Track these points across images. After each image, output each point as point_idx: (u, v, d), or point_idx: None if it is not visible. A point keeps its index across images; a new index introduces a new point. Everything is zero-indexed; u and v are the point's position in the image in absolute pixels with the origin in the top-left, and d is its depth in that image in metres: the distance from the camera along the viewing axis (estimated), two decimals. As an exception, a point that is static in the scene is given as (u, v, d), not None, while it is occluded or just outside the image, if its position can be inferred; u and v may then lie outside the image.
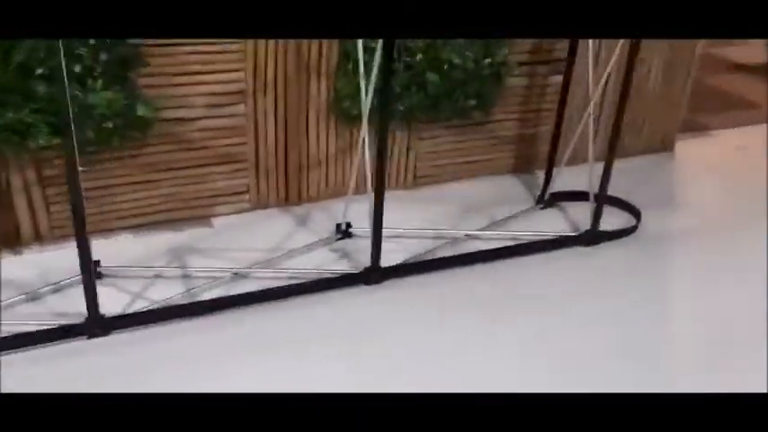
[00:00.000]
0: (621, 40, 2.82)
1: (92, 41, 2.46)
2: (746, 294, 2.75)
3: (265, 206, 3.16)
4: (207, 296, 2.56)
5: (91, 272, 2.24)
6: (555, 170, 3.23)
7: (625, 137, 3.75)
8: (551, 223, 3.16)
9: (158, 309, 2.44)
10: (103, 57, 2.50)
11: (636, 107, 3.70)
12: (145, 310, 2.44)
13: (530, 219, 3.21)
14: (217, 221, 3.06)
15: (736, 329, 2.55)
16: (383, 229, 2.61)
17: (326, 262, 2.83)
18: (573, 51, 3.09)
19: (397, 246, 2.94)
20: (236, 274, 2.67)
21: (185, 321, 2.45)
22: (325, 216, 3.13)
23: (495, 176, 3.54)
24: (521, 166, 3.58)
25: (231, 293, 2.57)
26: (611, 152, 2.85)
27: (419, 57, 2.97)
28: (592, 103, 2.97)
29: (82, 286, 2.27)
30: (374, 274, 2.67)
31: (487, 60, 3.12)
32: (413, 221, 3.10)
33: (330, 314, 2.54)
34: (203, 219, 3.06)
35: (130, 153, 2.81)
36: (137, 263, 2.73)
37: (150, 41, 2.64)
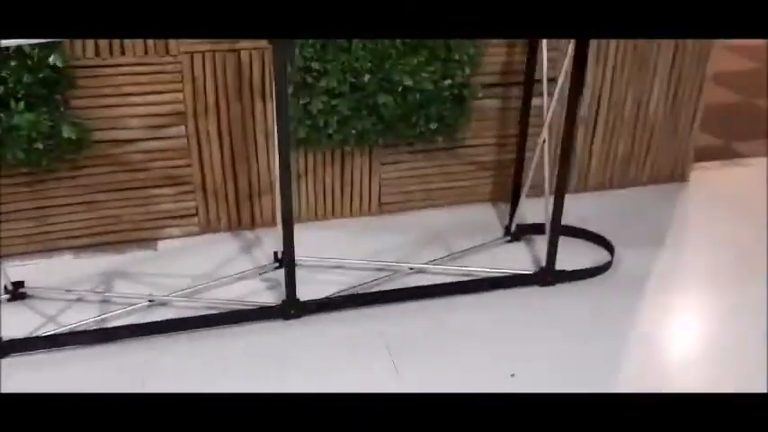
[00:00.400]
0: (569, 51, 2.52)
1: (13, 63, 2.46)
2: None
3: (216, 230, 3.07)
4: (118, 322, 2.49)
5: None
6: (522, 200, 2.95)
7: (629, 166, 3.41)
8: (512, 258, 2.89)
9: (57, 334, 2.38)
10: (27, 78, 2.50)
11: (638, 133, 3.36)
12: (44, 335, 2.39)
13: (490, 252, 2.95)
14: (163, 244, 3.00)
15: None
16: (327, 259, 2.59)
17: (256, 291, 2.70)
18: (531, 70, 2.82)
19: (337, 277, 2.77)
20: (151, 301, 2.58)
21: (85, 348, 2.38)
22: (274, 243, 3.00)
23: (467, 205, 3.29)
24: (496, 195, 3.31)
25: (143, 321, 2.48)
26: (561, 182, 2.56)
27: (367, 77, 2.79)
28: (545, 127, 2.70)
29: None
30: (291, 309, 2.50)
31: (447, 82, 2.90)
32: (364, 251, 2.92)
33: (236, 349, 2.41)
34: (150, 241, 3.00)
35: (69, 174, 2.80)
36: (66, 285, 2.70)
37: (79, 63, 2.62)
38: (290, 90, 2.82)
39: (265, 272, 2.80)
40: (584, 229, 2.99)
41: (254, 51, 2.77)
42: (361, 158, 3.09)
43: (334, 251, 2.91)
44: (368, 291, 2.65)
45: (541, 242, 2.95)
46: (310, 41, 2.70)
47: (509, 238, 3.02)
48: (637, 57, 3.18)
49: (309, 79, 2.78)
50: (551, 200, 2.63)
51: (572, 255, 2.85)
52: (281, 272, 2.79)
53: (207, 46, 2.72)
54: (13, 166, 2.67)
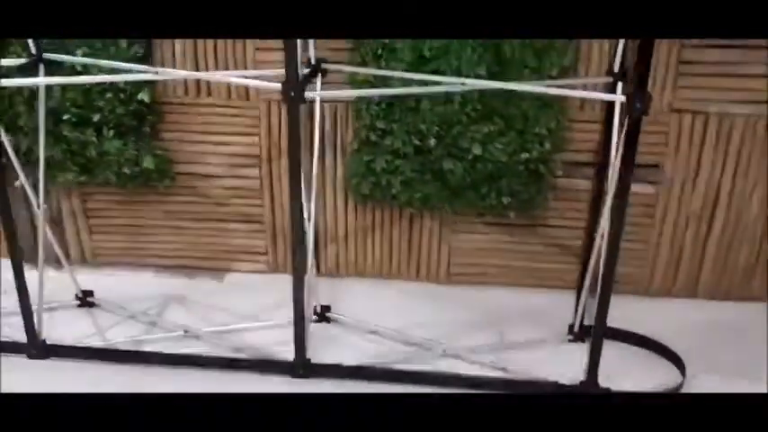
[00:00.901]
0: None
1: (108, 95, 2.74)
2: None
3: (282, 271, 3.12)
4: (149, 347, 2.63)
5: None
6: (584, 294, 2.61)
7: (752, 278, 2.87)
8: (562, 363, 2.55)
9: (91, 348, 2.58)
10: (119, 110, 2.76)
11: (743, 241, 2.81)
12: (82, 345, 2.60)
13: (541, 350, 2.63)
14: (230, 276, 3.13)
15: None
16: (364, 321, 2.56)
17: (287, 342, 2.69)
18: (606, 151, 2.48)
19: (367, 344, 2.67)
20: (186, 332, 2.69)
21: (106, 365, 2.53)
22: (330, 292, 2.98)
23: (546, 290, 2.98)
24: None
25: (170, 349, 2.59)
26: (606, 279, 2.20)
27: (433, 141, 2.67)
28: (604, 215, 2.34)
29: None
30: (301, 369, 2.45)
31: (524, 155, 2.67)
32: (413, 320, 2.78)
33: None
34: (221, 271, 3.15)
35: (157, 199, 3.03)
36: (135, 300, 2.91)
37: (168, 100, 2.83)
38: (355, 146, 2.80)
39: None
40: (660, 343, 2.56)
41: (327, 105, 2.78)
42: (431, 222, 2.96)
43: (382, 314, 2.80)
44: (386, 366, 2.50)
45: (611, 349, 2.58)
46: (377, 102, 2.64)
47: (572, 336, 2.68)
48: (769, 146, 2.66)
49: (374, 137, 2.72)
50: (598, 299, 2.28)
51: (639, 369, 2.45)
52: (320, 326, 2.78)
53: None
54: (108, 185, 2.96)
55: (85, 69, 2.56)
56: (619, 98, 1.91)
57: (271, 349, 2.60)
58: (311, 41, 2.43)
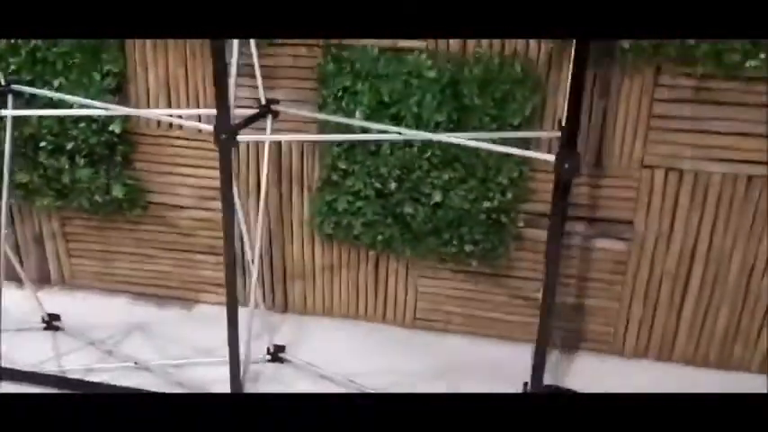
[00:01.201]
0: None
1: (81, 124, 2.79)
2: None
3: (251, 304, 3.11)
4: (97, 376, 2.64)
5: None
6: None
7: (733, 343, 2.70)
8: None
9: (41, 373, 2.61)
10: (91, 139, 2.82)
11: (748, 304, 2.63)
12: (29, 370, 2.63)
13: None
14: (198, 308, 3.13)
15: None
16: (314, 366, 2.53)
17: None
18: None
19: (314, 387, 2.62)
20: (136, 364, 2.70)
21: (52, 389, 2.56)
22: (293, 332, 2.95)
23: (513, 342, 2.87)
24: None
25: (118, 380, 2.60)
26: (542, 334, 2.10)
27: (393, 185, 2.62)
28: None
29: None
30: (237, 409, 2.41)
31: (486, 204, 2.59)
32: (368, 365, 2.72)
33: None
34: (190, 301, 3.16)
35: (130, 227, 3.07)
36: (99, 325, 2.94)
37: (140, 131, 2.87)
38: (318, 184, 2.78)
39: (256, 362, 2.75)
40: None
41: (294, 144, 2.77)
42: (397, 264, 2.90)
43: (341, 356, 2.76)
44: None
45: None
46: (339, 144, 2.62)
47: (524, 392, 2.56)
48: (748, 203, 2.49)
49: (335, 177, 2.69)
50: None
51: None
52: (271, 366, 2.75)
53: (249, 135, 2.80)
54: (85, 211, 3.01)
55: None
56: (548, 157, 1.83)
57: (212, 387, 2.58)
58: (259, 80, 2.42)
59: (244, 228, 2.66)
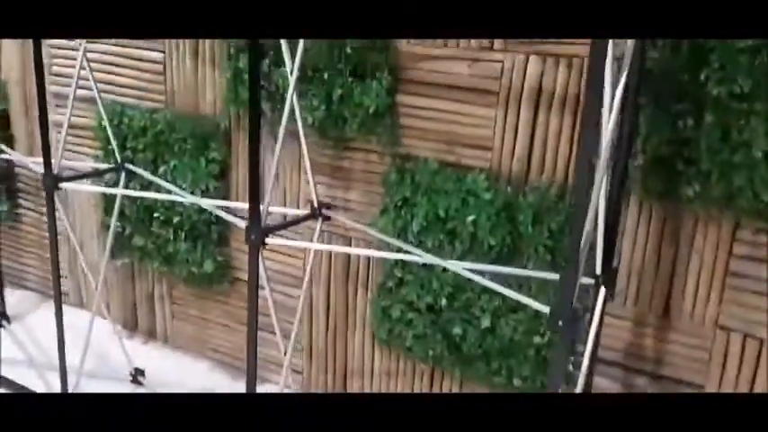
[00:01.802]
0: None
1: (179, 208, 3.11)
2: None
3: (316, 388, 3.17)
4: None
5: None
6: None
7: None
8: None
9: None
10: (194, 217, 3.12)
11: None
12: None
13: None
14: (264, 387, 3.25)
15: None
16: None
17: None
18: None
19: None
20: None
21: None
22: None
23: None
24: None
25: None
26: None
27: (443, 302, 2.56)
28: None
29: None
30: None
31: (537, 339, 2.42)
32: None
33: None
34: (260, 380, 3.28)
35: (222, 300, 3.31)
36: (175, 384, 3.18)
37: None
38: (376, 288, 2.79)
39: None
40: None
41: (362, 241, 2.83)
42: (451, 383, 2.78)
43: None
44: None
45: None
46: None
47: None
48: None
49: (391, 284, 2.69)
50: None
51: None
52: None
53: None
54: (182, 280, 3.32)
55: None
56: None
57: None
58: (311, 181, 2.50)
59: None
